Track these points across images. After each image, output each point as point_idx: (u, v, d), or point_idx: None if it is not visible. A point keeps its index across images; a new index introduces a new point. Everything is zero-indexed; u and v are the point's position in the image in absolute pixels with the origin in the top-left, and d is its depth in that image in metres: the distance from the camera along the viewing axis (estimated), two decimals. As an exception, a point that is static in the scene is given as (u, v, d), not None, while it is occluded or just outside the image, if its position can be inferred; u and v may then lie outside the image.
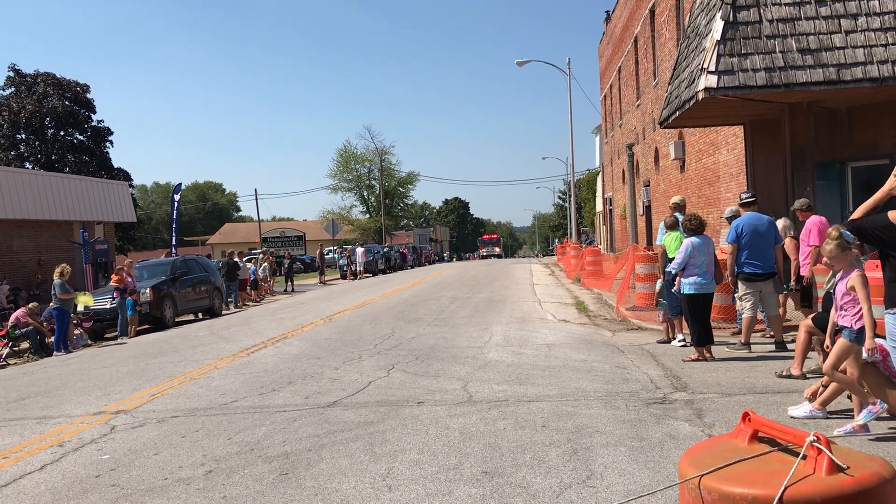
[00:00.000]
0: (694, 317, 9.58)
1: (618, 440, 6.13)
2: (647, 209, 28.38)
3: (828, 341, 6.17)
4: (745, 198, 10.45)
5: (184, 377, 10.40)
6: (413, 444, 6.35)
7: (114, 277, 19.18)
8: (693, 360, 9.45)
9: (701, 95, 12.23)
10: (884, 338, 5.77)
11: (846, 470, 2.12)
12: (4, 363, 15.03)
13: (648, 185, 27.90)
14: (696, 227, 9.72)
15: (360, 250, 40.25)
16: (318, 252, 38.95)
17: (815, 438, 2.20)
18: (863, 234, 5.29)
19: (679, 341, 10.81)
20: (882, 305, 6.59)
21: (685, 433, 6.25)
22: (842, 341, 6.01)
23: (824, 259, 6.29)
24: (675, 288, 10.04)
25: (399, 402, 7.93)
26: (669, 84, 15.51)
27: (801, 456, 2.16)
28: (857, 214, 5.36)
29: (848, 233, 5.94)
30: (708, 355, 9.50)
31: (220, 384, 9.65)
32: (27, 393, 10.19)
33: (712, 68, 12.13)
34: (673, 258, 10.36)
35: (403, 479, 5.46)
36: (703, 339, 9.52)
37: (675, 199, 11.58)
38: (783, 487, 2.03)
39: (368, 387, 8.86)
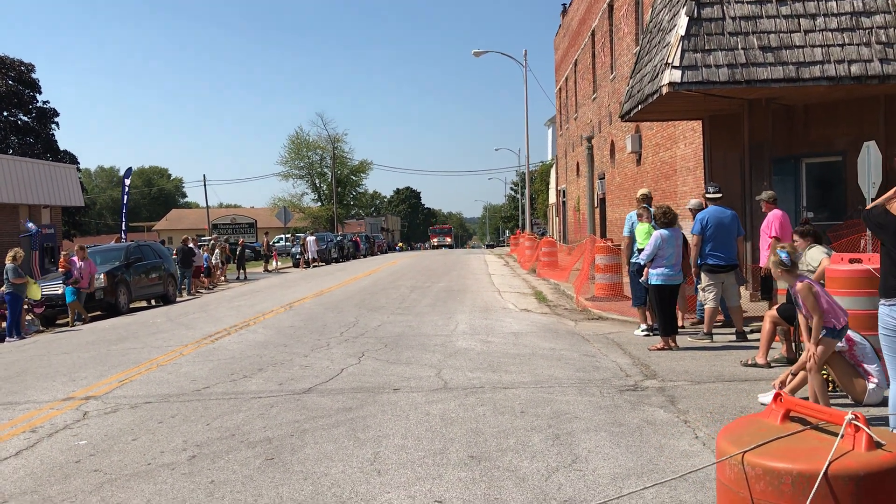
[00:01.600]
0: (661, 307, 9.81)
1: (597, 426, 6.27)
2: (602, 202, 28.78)
3: (805, 339, 6.41)
4: (713, 192, 10.71)
5: (150, 363, 10.26)
6: (395, 429, 6.41)
7: (61, 262, 18.77)
8: (659, 349, 9.69)
9: (665, 90, 12.46)
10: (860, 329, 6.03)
11: (884, 446, 2.25)
12: (-47, 349, 14.60)
13: (603, 178, 28.29)
14: (669, 220, 9.94)
15: (311, 239, 39.96)
16: (264, 240, 38.50)
17: (854, 417, 2.33)
18: (867, 223, 5.43)
19: (642, 331, 11.06)
20: (849, 297, 6.86)
21: (661, 419, 6.43)
22: (824, 340, 6.21)
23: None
24: (642, 279, 10.26)
25: (375, 389, 7.97)
26: (631, 78, 15.76)
27: (840, 433, 2.29)
28: (870, 205, 5.48)
29: (784, 253, 6.32)
30: (673, 345, 9.74)
31: (188, 370, 9.56)
32: (-14, 379, 9.94)
33: (676, 63, 12.36)
34: (641, 249, 10.59)
35: (391, 464, 5.52)
36: (668, 328, 9.76)
37: (643, 191, 11.81)
38: (828, 462, 2.15)
39: (341, 374, 8.87)
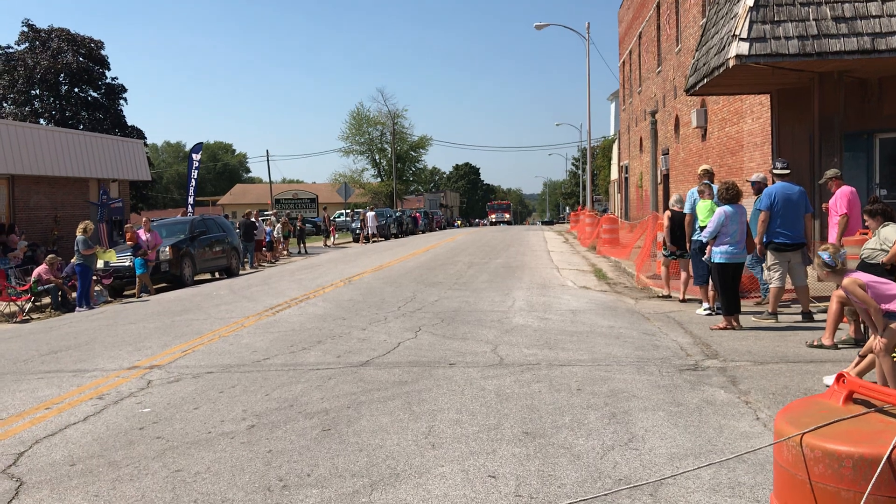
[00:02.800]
0: (724, 286, 9.58)
1: (655, 405, 6.18)
2: (665, 178, 28.24)
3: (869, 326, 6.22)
4: (780, 167, 10.36)
5: (212, 334, 10.49)
6: (450, 403, 6.42)
7: (127, 236, 19.29)
8: (721, 329, 9.48)
9: (731, 63, 12.10)
10: None
11: (954, 430, 2.14)
12: (27, 318, 15.17)
13: (667, 154, 27.74)
14: (732, 196, 9.68)
15: (370, 214, 40.24)
16: (324, 215, 38.97)
17: (922, 399, 2.22)
18: None
19: (704, 310, 10.84)
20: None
21: (722, 399, 6.30)
22: (887, 325, 6.01)
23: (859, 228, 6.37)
24: (705, 256, 10.03)
25: (431, 363, 7.99)
26: (696, 51, 15.34)
27: (908, 416, 2.19)
28: None
29: (826, 254, 6.17)
30: (735, 324, 9.52)
31: (249, 342, 9.74)
32: (58, 347, 10.30)
33: (744, 35, 11.98)
34: (703, 227, 10.36)
35: (446, 438, 5.53)
36: (731, 307, 9.54)
37: (704, 167, 11.53)
38: (892, 446, 2.06)
39: (398, 347, 8.92)
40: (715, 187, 10.74)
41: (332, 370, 7.84)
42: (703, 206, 10.84)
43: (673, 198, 12.67)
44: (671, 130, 26.79)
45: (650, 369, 7.45)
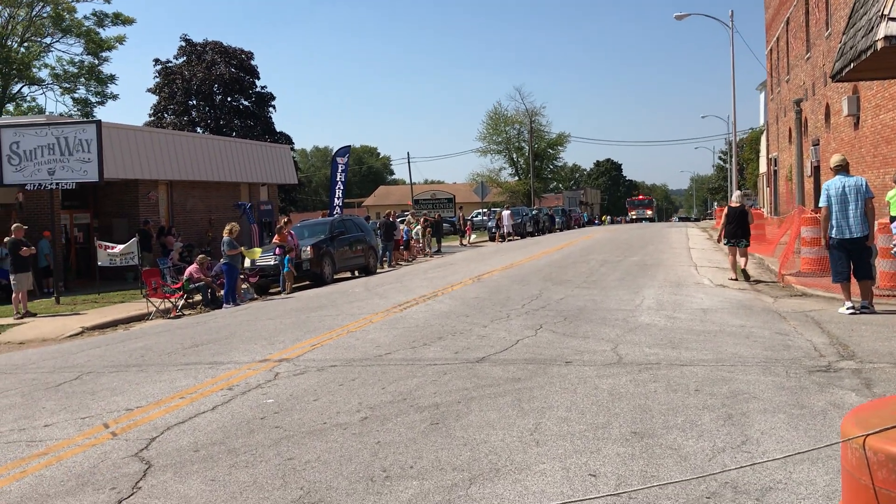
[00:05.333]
0: None
1: (776, 407, 5.87)
2: (816, 170, 26.63)
3: None
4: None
5: (341, 329, 10.88)
6: (561, 401, 6.36)
7: (276, 237, 20.26)
8: None
9: (880, 45, 11.26)
10: None
11: None
12: (180, 314, 16.27)
13: (817, 145, 26.17)
14: None
15: (506, 213, 40.31)
16: (460, 214, 39.51)
17: None
18: None
19: (847, 308, 10.17)
20: None
21: (851, 403, 5.90)
22: None
23: None
24: (893, 248, 9.37)
25: (547, 361, 7.94)
26: (843, 34, 14.38)
27: None
28: None
29: None
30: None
31: (374, 337, 10.03)
32: (201, 340, 10.99)
33: (894, 14, 11.13)
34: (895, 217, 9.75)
35: (551, 435, 5.49)
36: None
37: (837, 158, 10.82)
38: (964, 452, 1.87)
39: (516, 345, 8.92)
40: None
41: (448, 365, 7.95)
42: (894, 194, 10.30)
43: (735, 194, 16.07)
44: (821, 119, 25.24)
45: (777, 370, 7.08)
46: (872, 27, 11.79)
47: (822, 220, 10.32)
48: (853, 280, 10.50)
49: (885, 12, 11.26)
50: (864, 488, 2.02)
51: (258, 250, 19.33)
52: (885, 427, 2.01)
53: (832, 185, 10.33)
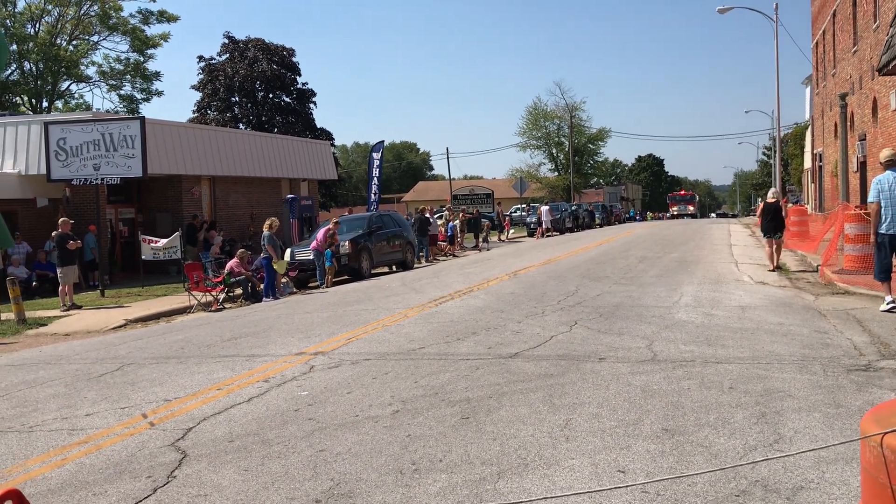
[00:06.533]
0: None
1: (811, 406, 5.79)
2: (862, 165, 26.05)
3: None
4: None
5: (377, 324, 10.96)
6: (592, 398, 6.34)
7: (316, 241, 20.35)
8: None
9: (928, 37, 11.01)
10: None
11: None
12: (221, 307, 16.52)
13: (864, 140, 25.59)
14: None
15: (544, 209, 40.15)
16: (498, 210, 39.49)
17: None
18: None
19: (888, 304, 9.98)
20: None
21: (890, 403, 5.79)
22: None
23: None
24: None
25: (580, 357, 7.92)
26: (891, 26, 14.08)
27: None
28: None
29: None
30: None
31: (409, 331, 10.10)
32: (239, 333, 11.17)
33: (943, 6, 10.86)
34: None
35: (581, 431, 5.48)
36: None
37: (887, 153, 10.56)
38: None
39: (550, 341, 8.91)
40: None
41: (481, 360, 7.97)
42: None
43: (771, 191, 17.83)
44: (868, 114, 24.69)
45: (814, 368, 6.97)
46: (920, 19, 11.52)
47: (873, 216, 10.13)
48: None
49: (933, 3, 11.00)
50: (882, 487, 2.00)
51: (284, 264, 19.42)
52: (904, 425, 1.99)
53: (884, 179, 10.10)
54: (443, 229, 30.46)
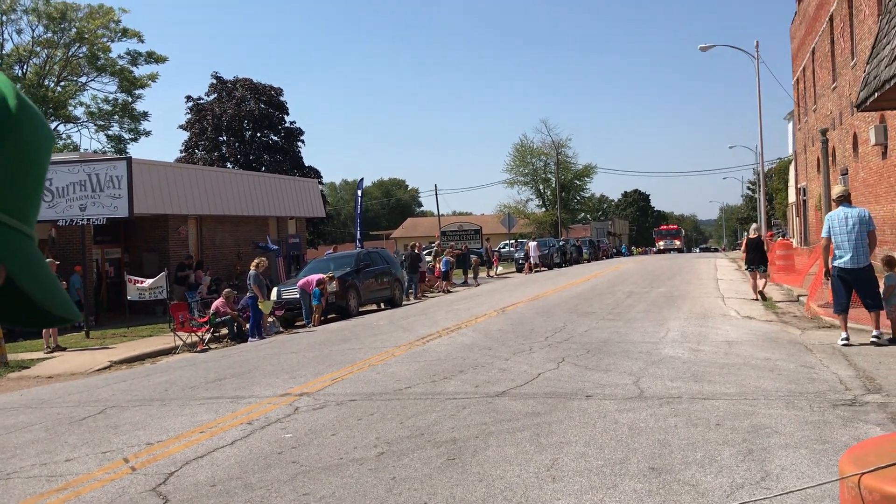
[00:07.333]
0: None
1: (798, 442, 5.77)
2: (845, 199, 26.33)
3: None
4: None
5: (363, 363, 10.89)
6: (579, 436, 6.30)
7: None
8: None
9: (904, 73, 11.20)
10: None
11: None
12: (206, 347, 16.40)
13: (846, 174, 25.92)
14: None
15: (532, 244, 40.29)
16: (487, 246, 39.66)
17: None
18: None
19: (842, 340, 10.10)
20: None
21: (876, 438, 5.78)
22: None
23: None
24: None
25: (567, 395, 7.88)
26: (868, 64, 14.31)
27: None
28: None
29: None
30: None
31: (395, 370, 10.03)
32: (223, 374, 11.07)
33: (918, 43, 11.07)
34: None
35: (568, 471, 5.44)
36: None
37: (838, 189, 10.82)
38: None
39: (537, 378, 8.87)
40: None
41: (468, 399, 7.92)
42: None
43: (752, 227, 19.27)
44: (849, 149, 25.02)
45: (800, 404, 6.96)
46: (895, 57, 11.73)
47: (822, 251, 10.56)
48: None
49: (908, 41, 11.21)
50: (860, 529, 1.98)
51: (270, 304, 19.19)
52: (880, 466, 1.98)
53: (834, 215, 10.41)
54: (439, 265, 30.45)
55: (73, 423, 8.31)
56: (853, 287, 10.19)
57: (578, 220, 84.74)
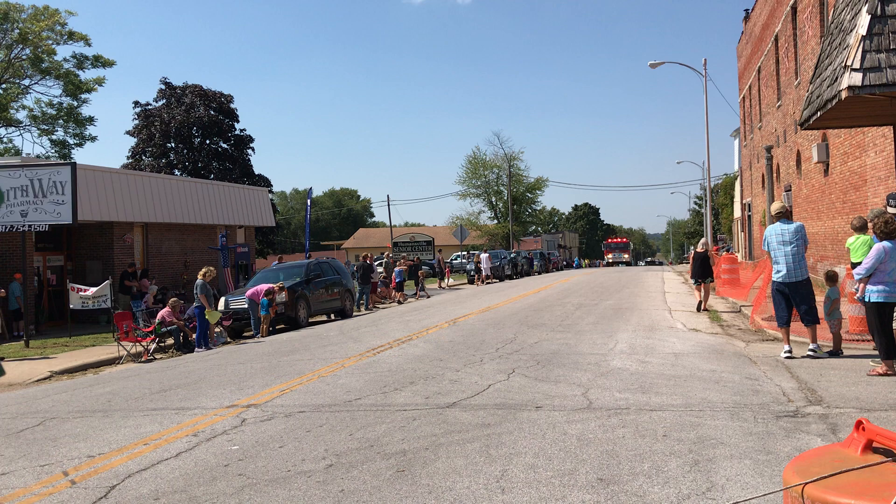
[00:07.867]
0: (883, 327, 8.94)
1: (742, 453, 5.87)
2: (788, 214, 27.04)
3: None
4: (894, 205, 9.80)
5: (312, 374, 10.78)
6: (529, 447, 6.32)
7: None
8: (881, 374, 8.83)
9: (844, 94, 11.53)
10: None
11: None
12: (151, 357, 16.06)
13: (790, 190, 26.60)
14: (891, 231, 9.13)
15: (484, 256, 40.47)
16: (439, 257, 39.71)
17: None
18: None
19: (785, 353, 10.35)
20: None
21: (817, 449, 5.90)
22: None
23: None
24: (857, 295, 9.47)
25: (517, 406, 7.90)
26: (811, 83, 14.72)
27: (919, 469, 1.99)
28: None
29: None
30: (896, 370, 8.89)
31: (345, 382, 9.95)
32: (169, 385, 10.84)
33: (857, 66, 11.42)
34: (859, 263, 9.87)
35: (517, 482, 5.44)
36: (892, 350, 8.88)
37: (777, 206, 11.14)
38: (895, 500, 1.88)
39: (488, 389, 8.88)
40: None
41: (418, 411, 7.88)
42: (858, 241, 10.54)
43: (700, 241, 19.72)
44: (793, 166, 25.70)
45: (745, 415, 7.09)
46: (837, 77, 12.08)
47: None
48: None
49: (849, 63, 11.56)
50: (803, 538, 2.01)
51: (217, 314, 18.82)
52: (823, 475, 2.02)
53: (771, 230, 10.72)
54: (394, 275, 30.40)
55: (9, 436, 8.04)
56: (791, 300, 10.45)
57: (530, 233, 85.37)
